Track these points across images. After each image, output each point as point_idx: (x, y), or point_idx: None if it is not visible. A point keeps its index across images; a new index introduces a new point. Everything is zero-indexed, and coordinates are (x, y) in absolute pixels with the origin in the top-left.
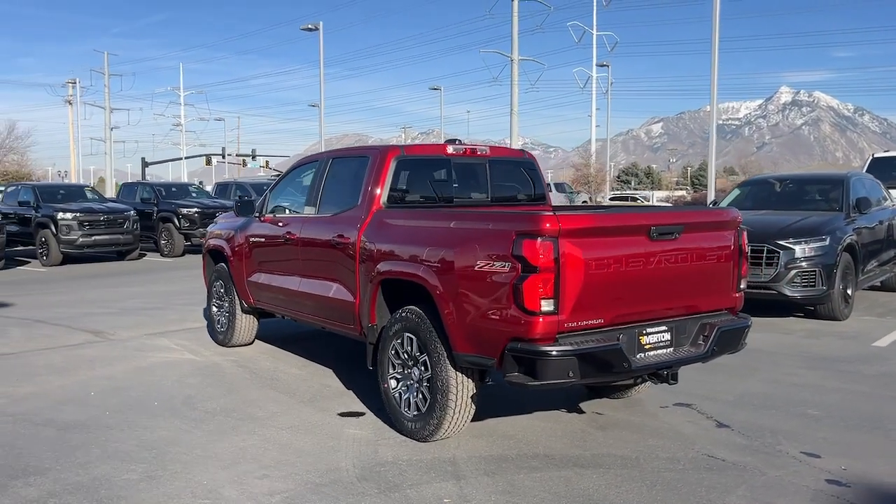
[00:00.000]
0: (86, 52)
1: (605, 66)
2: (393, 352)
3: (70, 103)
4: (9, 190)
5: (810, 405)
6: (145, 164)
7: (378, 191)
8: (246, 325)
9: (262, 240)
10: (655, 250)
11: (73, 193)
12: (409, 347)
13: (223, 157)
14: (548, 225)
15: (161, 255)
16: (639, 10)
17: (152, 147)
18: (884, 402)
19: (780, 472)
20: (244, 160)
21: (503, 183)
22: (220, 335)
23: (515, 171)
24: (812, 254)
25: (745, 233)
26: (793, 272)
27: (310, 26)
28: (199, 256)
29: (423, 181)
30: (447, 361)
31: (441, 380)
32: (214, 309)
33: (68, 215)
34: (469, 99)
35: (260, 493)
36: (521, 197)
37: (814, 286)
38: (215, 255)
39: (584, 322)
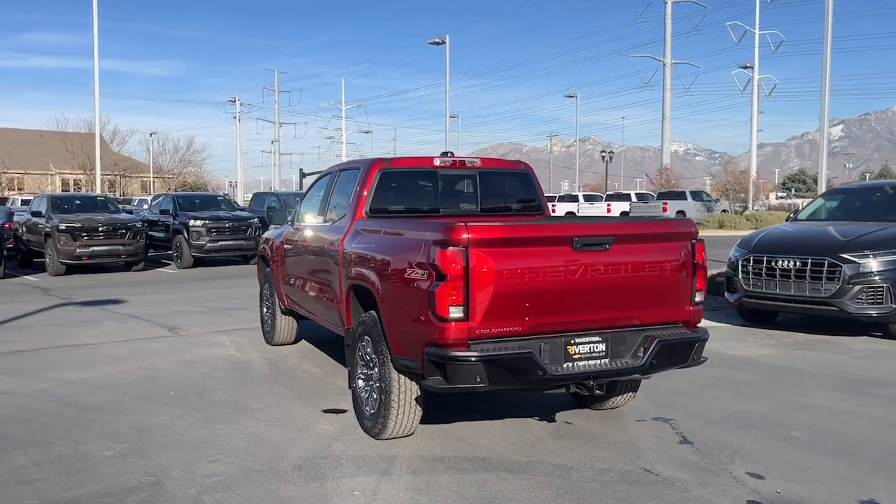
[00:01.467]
0: (258, 72)
1: (749, 67)
2: (360, 353)
3: (238, 119)
4: (157, 200)
5: (800, 427)
6: (302, 175)
7: (361, 201)
8: (285, 325)
9: (290, 246)
10: (581, 261)
11: (208, 202)
12: (368, 349)
13: None
14: (457, 235)
15: None
16: (809, 5)
17: (317, 158)
18: (883, 429)
19: (704, 491)
20: None
21: (495, 194)
22: (266, 334)
23: (510, 183)
24: (881, 268)
25: (701, 245)
26: (857, 287)
27: (437, 40)
28: None
29: (408, 193)
30: (390, 364)
31: (385, 381)
32: (264, 310)
33: (198, 223)
34: (623, 105)
35: (201, 474)
36: (515, 208)
37: (881, 303)
38: (264, 260)
39: (499, 329)
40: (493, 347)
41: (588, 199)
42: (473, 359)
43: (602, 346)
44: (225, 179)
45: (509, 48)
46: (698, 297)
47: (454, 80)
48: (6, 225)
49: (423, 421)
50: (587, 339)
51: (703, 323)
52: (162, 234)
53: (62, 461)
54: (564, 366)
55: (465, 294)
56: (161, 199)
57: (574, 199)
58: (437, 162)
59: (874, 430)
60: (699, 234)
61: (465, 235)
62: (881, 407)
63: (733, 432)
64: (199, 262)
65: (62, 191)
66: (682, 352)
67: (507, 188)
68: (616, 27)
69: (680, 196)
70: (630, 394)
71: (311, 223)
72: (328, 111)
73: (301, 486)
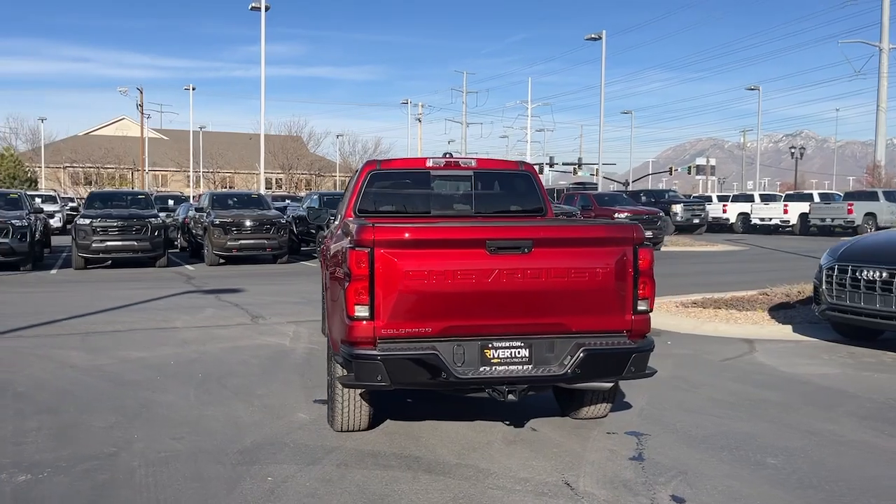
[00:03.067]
0: (449, 74)
1: None
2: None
3: (419, 120)
4: (307, 197)
5: (780, 454)
6: None
7: (350, 202)
8: None
9: (324, 245)
10: (496, 265)
11: None
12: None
13: (550, 165)
14: (364, 236)
15: None
16: None
17: (503, 156)
18: (875, 463)
19: None
20: (575, 168)
21: (491, 196)
22: (322, 327)
23: (508, 185)
24: None
25: (647, 250)
26: None
27: (593, 35)
28: None
29: (399, 194)
30: (333, 360)
31: (330, 375)
32: (323, 303)
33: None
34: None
35: (156, 449)
36: (513, 209)
37: None
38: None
39: (408, 330)
40: (398, 347)
41: (766, 199)
42: (374, 357)
43: (525, 352)
44: None
45: (707, 38)
46: (642, 306)
47: (642, 75)
48: (185, 220)
49: (398, 417)
50: (507, 344)
51: (795, 336)
52: (314, 231)
53: (59, 428)
54: (481, 369)
55: (371, 294)
56: (310, 196)
57: (749, 198)
58: (429, 163)
59: (862, 464)
60: (644, 240)
61: (370, 237)
62: None
63: (699, 453)
64: None
65: (265, 189)
66: (612, 363)
67: (505, 190)
68: (824, 11)
69: (871, 196)
70: (604, 404)
71: (332, 224)
72: (514, 110)
73: (227, 468)
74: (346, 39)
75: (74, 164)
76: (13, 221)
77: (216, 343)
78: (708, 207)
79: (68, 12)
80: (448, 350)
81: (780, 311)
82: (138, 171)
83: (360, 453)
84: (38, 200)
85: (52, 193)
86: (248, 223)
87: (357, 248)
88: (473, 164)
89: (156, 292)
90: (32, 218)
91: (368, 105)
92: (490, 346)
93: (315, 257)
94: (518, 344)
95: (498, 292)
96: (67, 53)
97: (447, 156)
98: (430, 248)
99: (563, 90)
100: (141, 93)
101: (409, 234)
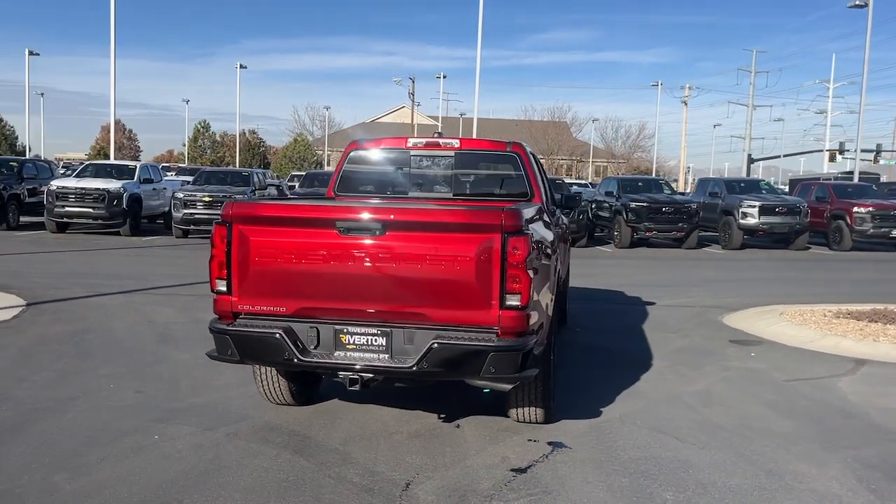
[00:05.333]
0: (743, 54)
1: None
2: None
3: (685, 103)
4: (604, 182)
5: (696, 491)
6: (751, 161)
7: (332, 182)
8: None
9: None
10: (348, 247)
11: (649, 185)
12: None
13: (840, 152)
14: (225, 211)
15: (721, 247)
16: None
17: (794, 143)
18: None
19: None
20: (875, 156)
21: (472, 177)
22: None
23: (491, 165)
24: None
25: (519, 240)
26: None
27: (857, 3)
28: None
29: (379, 174)
30: None
31: None
32: None
33: (636, 205)
34: None
35: (105, 397)
36: (497, 192)
37: None
38: None
39: (262, 308)
40: (250, 324)
41: None
42: (224, 332)
43: (381, 341)
44: (669, 164)
45: None
46: (512, 301)
47: None
48: None
49: (347, 397)
50: (363, 331)
51: None
52: (606, 215)
53: (67, 373)
54: (336, 354)
55: (228, 269)
56: (606, 182)
57: None
58: (409, 143)
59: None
60: (519, 228)
61: (229, 212)
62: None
63: (595, 475)
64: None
65: None
66: (465, 361)
67: (489, 172)
68: None
69: None
70: (534, 409)
71: None
72: (812, 91)
73: (139, 423)
74: (633, 22)
75: None
76: (236, 196)
77: None
78: None
79: (382, 11)
80: (303, 331)
81: None
82: None
83: (262, 426)
84: (274, 178)
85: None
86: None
87: (219, 224)
88: (456, 143)
89: None
90: (255, 194)
91: (632, 89)
92: (345, 331)
93: (609, 242)
94: (374, 331)
95: (351, 275)
96: (377, 48)
97: (434, 135)
98: (282, 226)
99: (875, 66)
100: (413, 82)
101: (262, 211)
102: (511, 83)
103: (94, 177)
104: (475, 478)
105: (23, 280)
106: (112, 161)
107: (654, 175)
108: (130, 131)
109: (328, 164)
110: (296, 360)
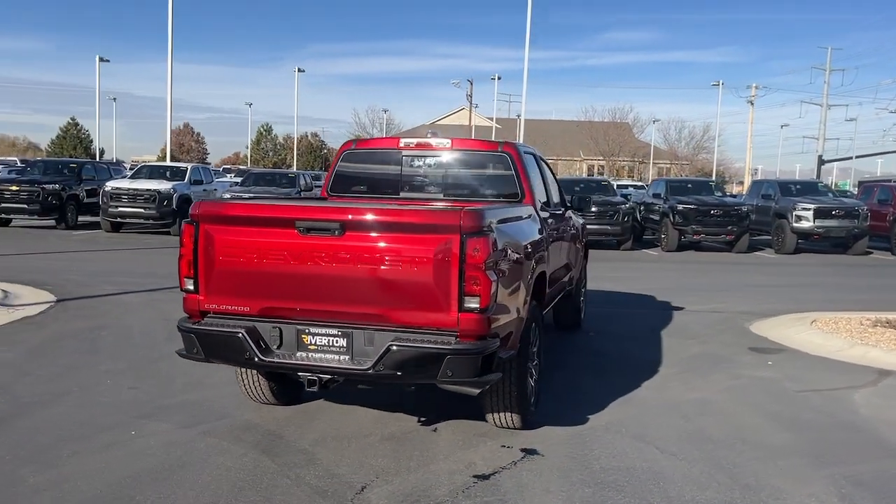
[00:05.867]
0: (811, 52)
1: None
2: None
3: (751, 103)
4: (653, 184)
5: (695, 488)
6: (821, 162)
7: (325, 182)
8: None
9: None
10: (308, 247)
11: (700, 188)
12: None
13: None
14: (193, 210)
15: (774, 251)
16: None
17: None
18: None
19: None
20: None
21: (462, 177)
22: None
23: (482, 166)
24: None
25: (479, 241)
26: None
27: None
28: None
29: (371, 174)
30: None
31: None
32: None
33: (682, 207)
34: None
35: (108, 393)
36: (486, 193)
37: None
38: None
39: (227, 307)
40: (216, 323)
41: None
42: (189, 331)
43: (342, 342)
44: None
45: None
46: (471, 304)
47: None
48: None
49: (332, 398)
50: (324, 332)
51: None
52: (655, 217)
53: (71, 368)
54: (297, 355)
55: (195, 268)
56: (656, 183)
57: None
58: (401, 143)
59: None
60: (478, 229)
61: (196, 211)
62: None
63: (557, 484)
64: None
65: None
66: (422, 364)
67: (479, 171)
68: None
69: None
70: (510, 414)
71: None
72: (891, 89)
73: (122, 418)
74: (697, 21)
75: None
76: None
77: None
78: None
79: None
80: (266, 331)
81: None
82: None
83: (239, 425)
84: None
85: None
86: (593, 208)
87: (187, 223)
88: (447, 143)
89: None
90: (300, 195)
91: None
92: (307, 331)
93: (657, 245)
94: (335, 332)
95: (312, 276)
96: (440, 51)
97: (429, 134)
98: (244, 225)
99: None
100: (471, 84)
101: (227, 210)
102: (572, 84)
103: (148, 178)
104: (434, 483)
105: (60, 277)
106: (165, 163)
107: (714, 177)
108: (198, 134)
109: None
110: (256, 360)
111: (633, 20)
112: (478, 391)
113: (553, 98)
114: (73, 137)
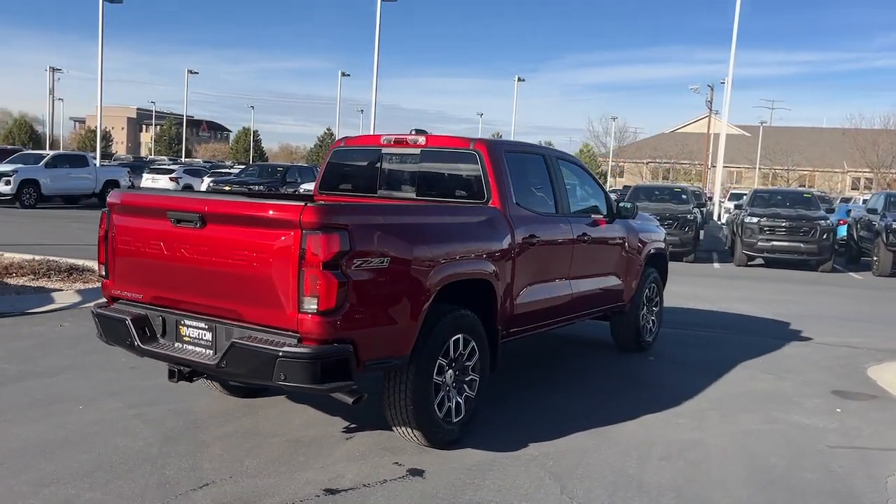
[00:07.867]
0: None
1: None
2: None
3: None
4: (874, 197)
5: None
6: None
7: (317, 180)
8: None
9: None
10: (179, 238)
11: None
12: None
13: None
14: (107, 200)
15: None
16: None
17: None
18: None
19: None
20: None
21: (434, 176)
22: None
23: (452, 164)
24: None
25: (321, 238)
26: None
27: None
28: None
29: (356, 173)
30: None
31: None
32: None
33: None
34: None
35: (104, 372)
36: (455, 192)
37: None
38: None
39: (127, 293)
40: (114, 308)
41: None
42: (93, 314)
43: (209, 336)
44: None
45: None
46: (310, 305)
47: None
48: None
49: (308, 400)
50: (194, 324)
51: None
52: (867, 235)
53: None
54: (175, 345)
55: (106, 254)
56: (875, 197)
57: None
58: (382, 140)
59: None
60: (321, 225)
61: (109, 200)
62: None
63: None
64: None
65: (852, 190)
66: (256, 363)
67: (449, 169)
68: None
69: None
70: (407, 429)
71: None
72: None
73: (85, 391)
74: None
75: (654, 160)
76: None
77: None
78: None
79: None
80: (154, 319)
81: None
82: (712, 167)
83: (177, 411)
84: None
85: None
86: (783, 224)
87: (103, 211)
88: (422, 141)
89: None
90: None
91: None
92: (183, 322)
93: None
94: (202, 325)
95: (183, 267)
96: (702, 56)
97: (412, 132)
98: (137, 215)
99: None
100: (711, 90)
101: (125, 200)
102: (841, 88)
103: None
104: (274, 492)
105: None
106: None
107: None
108: None
109: (612, 177)
110: (136, 346)
111: None
112: (352, 399)
113: (819, 104)
114: (327, 147)
